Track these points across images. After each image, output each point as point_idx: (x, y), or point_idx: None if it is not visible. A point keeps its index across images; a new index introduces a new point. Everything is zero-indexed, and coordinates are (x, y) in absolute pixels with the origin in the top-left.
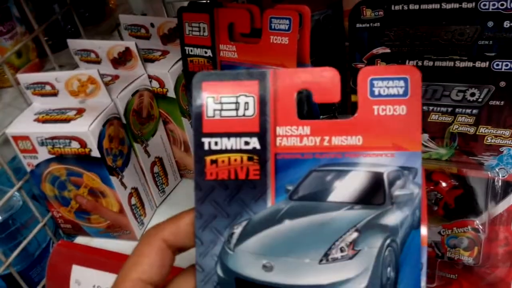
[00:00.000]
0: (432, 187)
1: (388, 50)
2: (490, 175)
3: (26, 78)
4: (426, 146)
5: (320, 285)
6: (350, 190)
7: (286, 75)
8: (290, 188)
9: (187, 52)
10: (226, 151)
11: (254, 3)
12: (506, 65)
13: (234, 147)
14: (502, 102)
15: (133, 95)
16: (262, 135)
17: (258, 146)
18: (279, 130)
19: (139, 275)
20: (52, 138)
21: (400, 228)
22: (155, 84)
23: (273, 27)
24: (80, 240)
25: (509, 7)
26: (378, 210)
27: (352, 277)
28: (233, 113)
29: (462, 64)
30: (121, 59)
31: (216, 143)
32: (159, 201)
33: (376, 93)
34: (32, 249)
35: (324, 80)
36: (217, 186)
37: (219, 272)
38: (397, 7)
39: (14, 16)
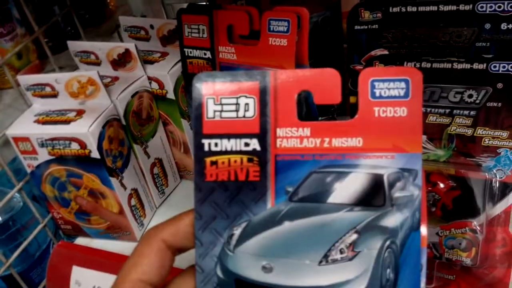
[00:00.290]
0: (430, 188)
1: (386, 52)
2: (488, 177)
3: (26, 79)
4: (424, 148)
5: (319, 287)
6: (350, 191)
7: (287, 76)
8: (290, 189)
9: (186, 54)
10: (226, 152)
11: (253, 5)
12: (504, 67)
13: (234, 148)
14: (500, 104)
15: (132, 96)
16: (262, 137)
17: (258, 148)
18: (279, 132)
19: (139, 276)
20: (52, 139)
21: (400, 229)
22: (154, 85)
23: (271, 29)
24: (80, 241)
25: (506, 9)
26: (378, 212)
27: (351, 279)
28: (233, 114)
29: (460, 66)
30: (121, 61)
31: (216, 144)
32: (159, 202)
33: (377, 94)
34: (32, 250)
35: (325, 81)
36: (217, 187)
37: (219, 273)
38: (395, 9)
39: (14, 18)
